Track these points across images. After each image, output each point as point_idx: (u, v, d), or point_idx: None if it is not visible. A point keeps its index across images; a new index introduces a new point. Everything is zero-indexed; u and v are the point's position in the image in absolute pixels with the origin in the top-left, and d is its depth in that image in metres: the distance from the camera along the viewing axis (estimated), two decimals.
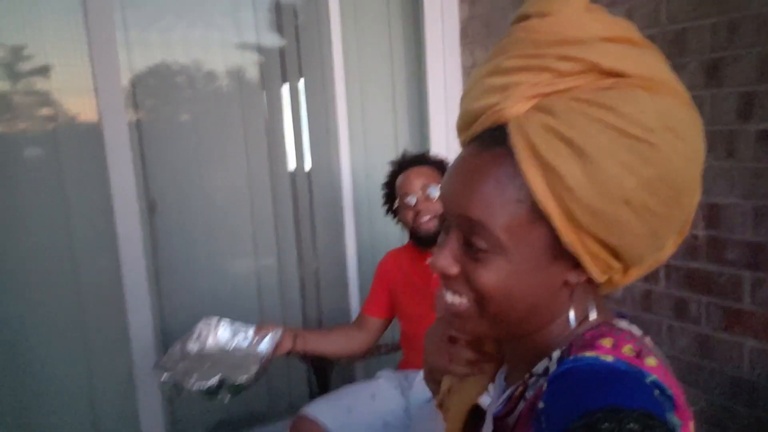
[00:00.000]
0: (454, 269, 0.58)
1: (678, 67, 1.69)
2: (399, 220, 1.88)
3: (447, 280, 0.60)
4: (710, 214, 1.56)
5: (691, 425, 0.54)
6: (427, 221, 1.75)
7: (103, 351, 1.96)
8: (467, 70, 2.43)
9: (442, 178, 1.99)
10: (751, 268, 1.49)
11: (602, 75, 0.51)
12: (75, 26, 1.80)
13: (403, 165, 1.84)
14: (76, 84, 1.89)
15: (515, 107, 0.53)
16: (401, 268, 1.89)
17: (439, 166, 1.86)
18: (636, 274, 0.60)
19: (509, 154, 0.53)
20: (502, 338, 0.66)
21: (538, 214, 0.52)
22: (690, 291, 1.63)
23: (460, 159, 0.59)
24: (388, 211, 1.90)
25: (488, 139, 0.55)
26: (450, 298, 0.60)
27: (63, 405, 1.91)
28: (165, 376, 1.47)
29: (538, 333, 0.61)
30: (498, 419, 0.63)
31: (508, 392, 0.63)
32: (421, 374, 1.72)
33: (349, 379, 2.28)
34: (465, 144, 0.60)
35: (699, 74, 1.56)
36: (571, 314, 0.58)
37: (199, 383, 1.41)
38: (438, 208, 1.77)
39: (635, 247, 0.54)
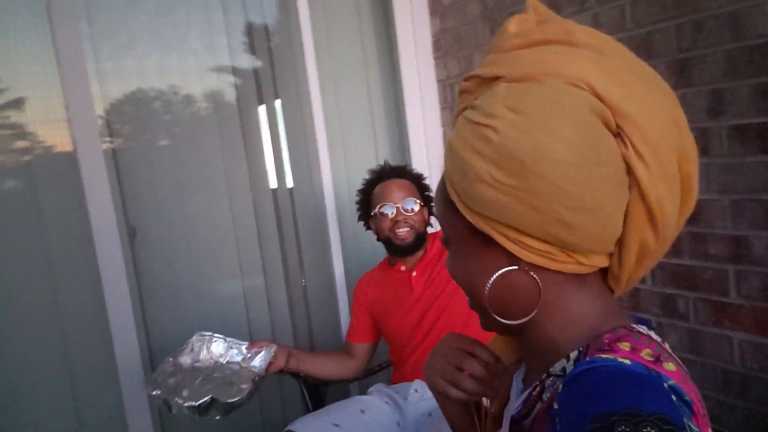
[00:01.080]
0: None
1: None
2: (371, 228, 1.90)
3: None
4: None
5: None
6: (404, 232, 1.77)
7: (90, 379, 1.93)
8: (442, 83, 2.46)
9: (419, 192, 2.00)
10: (734, 262, 1.51)
11: (490, 82, 0.58)
12: (46, 59, 1.80)
13: (383, 175, 1.87)
14: (49, 115, 1.88)
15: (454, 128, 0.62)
16: (378, 287, 1.89)
17: (417, 180, 1.89)
18: (628, 262, 0.59)
19: None
20: (506, 333, 0.69)
21: (452, 205, 0.61)
22: (677, 287, 1.65)
23: None
24: (360, 218, 1.91)
25: None
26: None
27: None
28: (156, 392, 1.45)
29: (541, 329, 0.62)
30: (515, 421, 0.63)
31: (525, 394, 0.63)
32: (415, 384, 1.72)
33: (343, 395, 2.25)
34: None
35: (668, 75, 1.59)
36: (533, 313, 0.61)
37: (190, 402, 1.40)
38: (414, 220, 1.79)
39: (536, 226, 0.55)
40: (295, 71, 2.27)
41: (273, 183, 2.28)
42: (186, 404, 1.41)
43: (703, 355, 1.62)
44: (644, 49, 1.63)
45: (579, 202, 0.53)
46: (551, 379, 0.59)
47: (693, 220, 1.57)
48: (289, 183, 2.32)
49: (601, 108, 0.53)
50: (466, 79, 0.61)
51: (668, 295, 1.67)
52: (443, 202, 0.63)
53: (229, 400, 1.43)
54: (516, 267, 0.59)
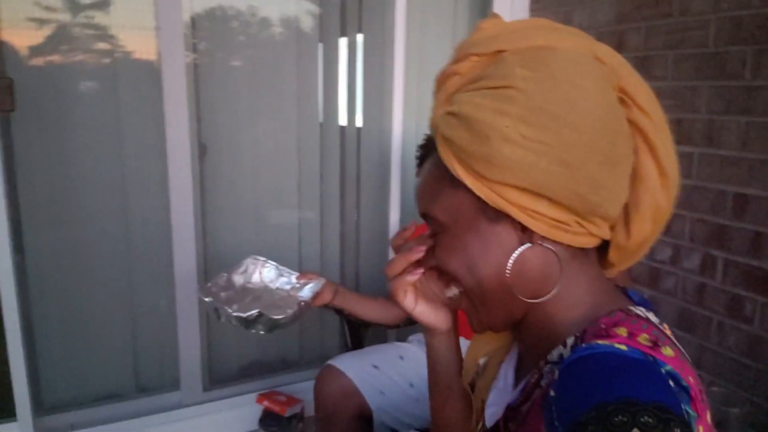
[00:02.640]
0: (433, 262, 0.66)
1: (764, 53, 1.58)
2: None
3: (440, 275, 0.67)
4: None
5: (708, 416, 0.52)
6: None
7: (148, 287, 2.02)
8: None
9: None
10: None
11: (486, 58, 0.58)
12: None
13: None
14: (136, 20, 1.89)
15: (437, 111, 0.61)
16: None
17: None
18: (640, 229, 0.59)
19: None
20: (503, 328, 0.65)
21: (455, 182, 0.59)
22: (747, 289, 1.57)
23: None
24: (418, 174, 1.89)
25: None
26: (447, 292, 0.67)
27: (107, 333, 1.98)
28: (208, 298, 1.51)
29: (542, 313, 0.61)
30: (512, 408, 0.63)
31: (523, 382, 0.63)
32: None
33: (382, 337, 2.29)
34: None
35: None
36: (556, 289, 0.59)
37: (239, 312, 1.46)
38: None
39: (562, 185, 0.54)
40: (382, 7, 2.20)
41: (343, 120, 2.27)
42: (235, 314, 1.46)
43: (760, 362, 1.55)
44: (766, 30, 1.49)
45: (606, 156, 0.54)
46: (549, 366, 0.58)
47: None
48: (359, 122, 2.29)
49: (608, 71, 0.56)
50: (455, 62, 0.60)
51: (735, 295, 1.59)
52: (439, 183, 0.61)
53: (275, 317, 1.48)
54: (530, 244, 0.58)
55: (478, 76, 0.57)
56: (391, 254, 2.32)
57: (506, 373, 0.70)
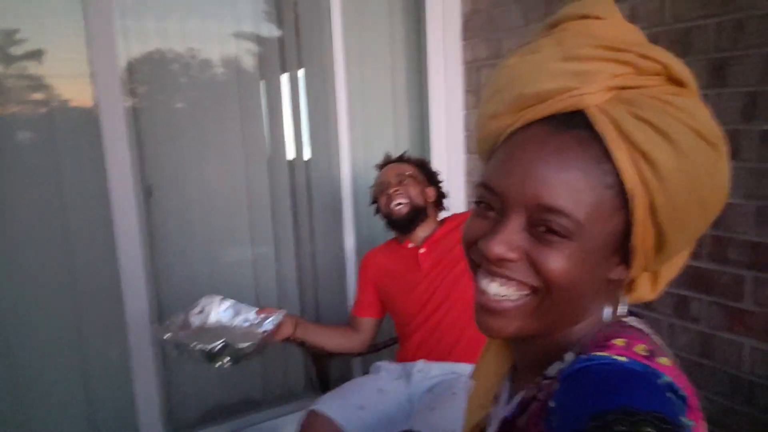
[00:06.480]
0: (511, 254, 0.55)
1: None
2: (380, 214, 1.95)
3: (499, 267, 0.56)
4: None
5: (703, 425, 0.53)
6: (398, 205, 1.83)
7: (99, 336, 1.94)
8: (468, 65, 2.42)
9: (418, 171, 2.06)
10: (753, 269, 1.49)
11: (669, 81, 0.53)
12: (71, 11, 1.77)
13: (384, 165, 1.97)
14: (71, 69, 1.86)
15: (596, 94, 0.53)
16: (386, 262, 1.92)
17: (416, 163, 1.96)
18: (646, 283, 0.62)
19: (594, 138, 0.52)
20: (531, 335, 0.60)
21: (622, 202, 0.53)
22: (692, 290, 1.64)
23: (524, 141, 0.55)
24: (376, 211, 1.98)
25: (564, 123, 0.54)
26: (496, 288, 0.56)
27: (58, 389, 1.90)
28: (167, 335, 1.47)
29: (561, 332, 0.60)
30: (508, 422, 0.62)
31: (519, 396, 0.62)
32: (418, 364, 1.73)
33: (346, 366, 2.27)
34: (509, 126, 0.59)
35: (703, 74, 1.55)
36: (606, 311, 0.59)
37: (203, 345, 1.42)
38: (409, 193, 1.83)
39: (678, 246, 0.57)
40: (320, 42, 2.24)
41: (290, 154, 2.27)
42: (198, 347, 1.42)
43: (712, 360, 1.61)
44: (681, 45, 1.59)
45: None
46: (547, 381, 0.58)
47: (715, 223, 1.56)
48: (307, 155, 2.30)
49: None
50: (645, 57, 0.53)
51: (682, 296, 1.66)
52: (599, 193, 0.52)
53: (241, 346, 1.46)
54: (619, 278, 0.59)
55: (667, 97, 0.52)
56: (350, 283, 2.33)
57: (502, 391, 0.70)
